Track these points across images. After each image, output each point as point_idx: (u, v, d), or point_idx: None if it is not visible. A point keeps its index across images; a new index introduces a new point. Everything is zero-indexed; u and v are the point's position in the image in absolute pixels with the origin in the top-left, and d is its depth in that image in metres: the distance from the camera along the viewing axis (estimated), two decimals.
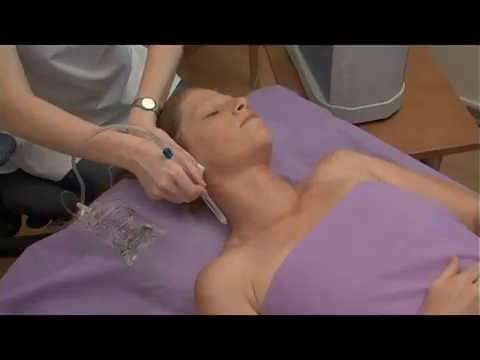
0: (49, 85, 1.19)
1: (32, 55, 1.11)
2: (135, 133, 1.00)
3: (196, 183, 0.97)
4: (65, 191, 1.02)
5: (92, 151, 1.00)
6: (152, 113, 1.05)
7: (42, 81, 1.17)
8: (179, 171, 0.95)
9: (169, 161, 0.95)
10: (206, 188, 1.01)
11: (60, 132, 1.02)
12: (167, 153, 0.95)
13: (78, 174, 1.02)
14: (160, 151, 0.95)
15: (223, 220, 1.01)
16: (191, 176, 0.96)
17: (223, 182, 1.00)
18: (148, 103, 1.05)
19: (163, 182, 0.95)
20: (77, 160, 1.24)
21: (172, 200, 0.99)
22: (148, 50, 1.15)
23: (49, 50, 1.12)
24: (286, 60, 1.60)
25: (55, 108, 1.04)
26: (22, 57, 1.06)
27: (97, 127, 1.02)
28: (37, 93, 1.05)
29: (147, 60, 1.13)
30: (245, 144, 0.99)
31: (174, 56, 1.15)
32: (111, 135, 1.00)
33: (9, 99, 1.02)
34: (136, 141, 0.99)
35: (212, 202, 1.00)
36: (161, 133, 1.01)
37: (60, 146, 1.05)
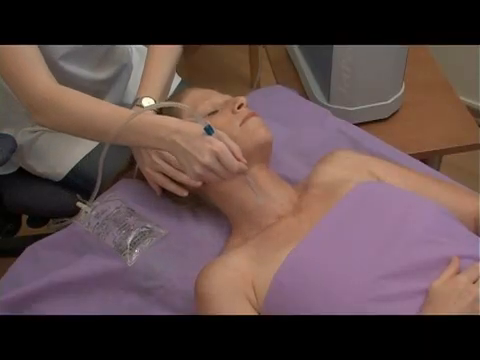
0: None
1: None
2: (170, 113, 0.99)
3: (238, 160, 0.94)
4: (68, 193, 1.02)
5: (129, 135, 0.98)
6: (152, 112, 1.05)
7: None
8: (222, 147, 0.92)
9: (211, 138, 0.93)
10: (206, 188, 1.01)
11: (95, 118, 1.00)
12: (208, 130, 0.92)
13: (100, 170, 1.01)
14: (200, 129, 0.93)
15: (261, 200, 0.98)
16: (233, 153, 0.94)
17: (223, 181, 1.00)
18: (148, 102, 1.05)
19: (206, 158, 0.92)
20: (78, 160, 1.25)
21: (212, 178, 0.95)
22: (147, 49, 1.15)
23: (57, 51, 1.13)
24: (286, 60, 1.60)
25: (84, 95, 1.03)
26: None
27: (131, 111, 1.00)
28: None
29: (146, 59, 1.13)
30: (245, 143, 0.98)
31: (174, 55, 1.15)
32: (149, 118, 0.98)
33: (39, 92, 1.01)
34: (173, 121, 0.97)
35: (253, 181, 0.97)
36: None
37: (97, 133, 1.02)
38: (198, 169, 0.93)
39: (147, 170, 1.01)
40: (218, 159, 0.92)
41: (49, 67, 1.13)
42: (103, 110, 1.01)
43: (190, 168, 0.94)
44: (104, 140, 1.01)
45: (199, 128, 0.93)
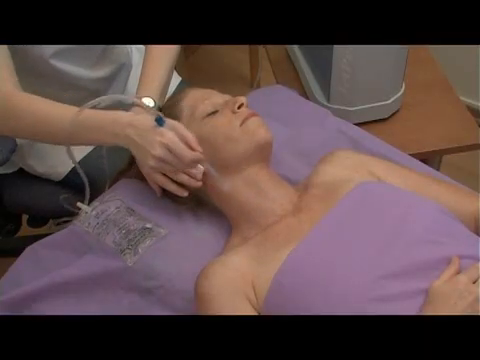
0: (49, 84, 1.19)
1: (31, 55, 1.11)
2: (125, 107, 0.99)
3: (192, 150, 0.93)
4: (64, 195, 1.02)
5: (84, 133, 0.98)
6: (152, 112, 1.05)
7: (42, 80, 1.17)
8: (172, 138, 0.92)
9: (162, 129, 0.92)
10: (206, 188, 1.01)
11: (45, 118, 1.00)
12: (159, 121, 0.92)
13: (81, 171, 1.02)
14: (152, 121, 0.93)
15: (225, 187, 0.97)
16: (187, 143, 0.93)
17: (223, 181, 1.00)
18: (147, 102, 1.05)
19: (157, 151, 0.92)
20: (78, 159, 1.25)
21: (169, 170, 0.95)
22: (146, 49, 1.15)
23: (47, 49, 1.12)
24: (286, 60, 1.60)
25: (40, 99, 1.02)
26: (21, 57, 1.06)
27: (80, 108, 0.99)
28: (38, 92, 1.05)
29: (145, 59, 1.13)
30: (245, 143, 0.98)
31: (172, 54, 1.15)
32: (101, 114, 0.98)
33: None
34: (127, 115, 0.97)
35: (212, 169, 0.97)
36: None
37: (49, 134, 1.01)
38: (151, 162, 0.94)
39: (147, 171, 1.01)
40: (170, 150, 0.92)
41: (40, 66, 1.13)
42: (53, 110, 1.00)
43: (144, 162, 0.95)
44: (60, 142, 1.00)
45: (151, 120, 0.93)
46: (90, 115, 0.97)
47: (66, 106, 1.01)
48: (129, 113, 0.98)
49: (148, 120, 0.94)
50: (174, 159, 0.93)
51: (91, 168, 1.11)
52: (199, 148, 0.94)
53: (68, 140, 0.99)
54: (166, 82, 1.12)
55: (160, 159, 0.93)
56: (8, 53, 1.03)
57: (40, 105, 1.01)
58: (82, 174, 1.03)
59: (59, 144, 1.03)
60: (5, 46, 1.02)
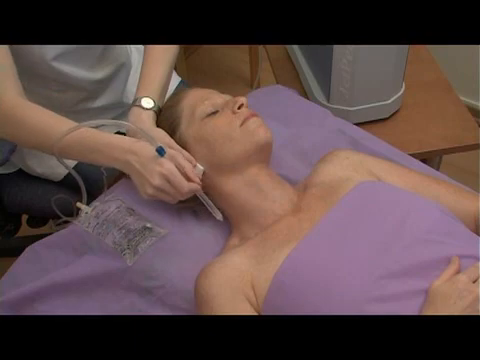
0: (50, 86, 1.19)
1: (32, 57, 1.11)
2: (129, 132, 1.00)
3: (190, 181, 0.96)
4: (57, 196, 1.03)
5: (85, 153, 1.00)
6: (151, 112, 1.05)
7: (43, 83, 1.17)
8: (171, 169, 0.94)
9: (162, 159, 0.95)
10: (206, 188, 1.01)
11: (44, 131, 1.01)
12: (160, 151, 0.94)
13: (75, 174, 1.02)
14: (152, 150, 0.94)
15: (219, 216, 1.01)
16: (185, 174, 0.96)
17: (223, 182, 1.00)
18: (147, 102, 1.05)
19: (156, 181, 0.94)
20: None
21: (166, 199, 0.98)
22: (145, 49, 1.15)
23: (49, 52, 1.12)
24: (286, 60, 1.59)
25: (45, 111, 1.03)
26: (23, 59, 1.06)
27: (88, 128, 1.00)
28: (38, 94, 1.05)
29: (144, 59, 1.13)
30: (245, 143, 0.98)
31: (171, 54, 1.15)
32: (100, 136, 1.00)
33: (4, 108, 1.01)
34: (127, 141, 0.99)
35: (207, 199, 1.00)
36: (161, 133, 1.01)
37: (47, 147, 1.01)
38: (150, 190, 0.96)
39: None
40: (168, 181, 0.95)
41: (42, 68, 1.13)
42: (57, 125, 1.01)
43: (142, 189, 0.97)
44: (61, 157, 1.02)
45: (151, 149, 0.95)
46: (93, 137, 0.99)
47: (67, 121, 1.02)
48: (129, 138, 1.00)
49: (148, 148, 0.96)
50: (171, 189, 0.96)
51: (90, 168, 1.11)
52: (197, 179, 0.97)
53: (64, 156, 1.01)
54: (165, 82, 1.12)
55: (158, 189, 0.96)
56: (12, 61, 1.04)
57: (43, 117, 1.02)
58: (77, 178, 1.04)
59: (57, 156, 1.03)
60: (9, 54, 1.03)
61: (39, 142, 1.03)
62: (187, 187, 0.96)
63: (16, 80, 1.04)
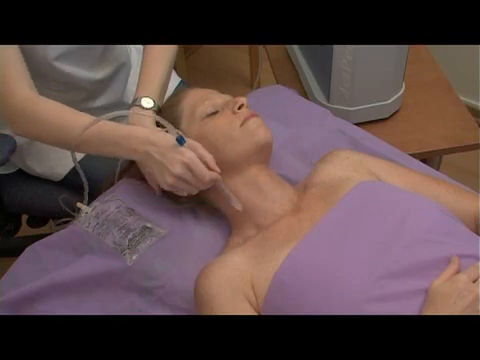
0: (50, 86, 1.19)
1: (35, 57, 1.11)
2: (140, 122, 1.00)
3: (211, 170, 0.96)
4: (63, 195, 1.03)
5: (103, 146, 1.00)
6: (151, 112, 1.05)
7: (45, 83, 1.17)
8: (193, 157, 0.94)
9: (182, 148, 0.94)
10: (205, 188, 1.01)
11: (66, 126, 1.01)
12: (180, 140, 0.94)
13: (81, 172, 1.02)
14: (172, 139, 0.94)
15: (239, 207, 0.99)
16: (205, 163, 0.95)
17: (224, 182, 1.00)
18: (147, 102, 1.05)
19: (177, 169, 0.94)
20: (78, 160, 1.25)
21: (186, 189, 0.98)
22: (144, 49, 1.15)
23: (51, 52, 1.13)
24: (286, 60, 1.60)
25: (60, 106, 1.03)
26: (25, 59, 1.06)
27: (107, 121, 1.01)
28: (39, 94, 1.05)
29: (143, 59, 1.13)
30: (245, 143, 0.99)
31: (170, 53, 1.15)
32: (118, 128, 1.00)
33: (16, 103, 1.02)
34: (145, 131, 0.99)
35: (227, 190, 0.99)
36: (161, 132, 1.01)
37: (66, 143, 1.02)
38: (170, 179, 0.95)
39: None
40: (189, 170, 0.94)
41: (44, 68, 1.13)
42: (77, 122, 1.01)
43: (162, 178, 0.97)
44: (78, 151, 1.02)
45: (171, 139, 0.95)
46: (111, 129, 0.99)
47: (83, 114, 1.02)
48: (145, 129, 1.00)
49: (167, 138, 0.96)
50: (193, 178, 0.95)
51: (90, 168, 1.11)
52: (217, 168, 0.96)
53: (81, 150, 1.01)
54: (165, 82, 1.12)
55: (179, 177, 0.95)
56: (22, 58, 1.04)
57: (59, 112, 1.03)
58: (82, 174, 1.04)
59: (74, 151, 1.04)
60: (19, 51, 1.03)
61: (56, 137, 1.03)
62: (208, 176, 0.95)
63: (29, 77, 1.04)
